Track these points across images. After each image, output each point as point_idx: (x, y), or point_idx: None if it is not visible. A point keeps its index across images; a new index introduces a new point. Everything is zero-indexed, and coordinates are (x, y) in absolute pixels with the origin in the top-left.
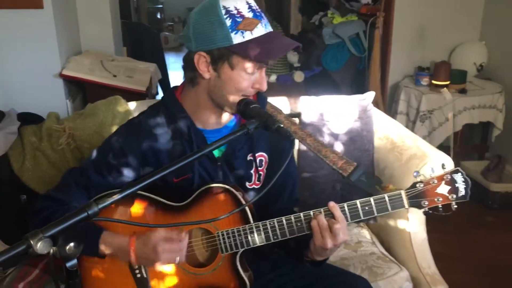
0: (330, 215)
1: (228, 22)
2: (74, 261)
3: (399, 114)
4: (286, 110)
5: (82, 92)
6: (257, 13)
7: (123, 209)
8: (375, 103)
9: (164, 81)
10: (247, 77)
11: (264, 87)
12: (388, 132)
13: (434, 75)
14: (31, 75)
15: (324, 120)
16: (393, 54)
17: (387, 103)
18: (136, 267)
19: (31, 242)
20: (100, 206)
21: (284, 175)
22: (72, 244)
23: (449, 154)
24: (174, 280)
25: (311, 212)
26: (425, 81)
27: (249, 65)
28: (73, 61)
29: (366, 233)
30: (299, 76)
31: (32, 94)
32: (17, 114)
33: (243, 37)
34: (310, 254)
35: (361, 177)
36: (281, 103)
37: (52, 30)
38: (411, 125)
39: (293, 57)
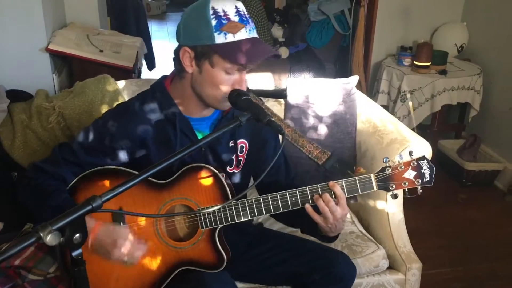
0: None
1: (214, 22)
2: (79, 250)
3: (380, 93)
4: (270, 86)
5: (68, 66)
6: (244, 18)
7: (112, 185)
8: (358, 82)
9: (149, 55)
10: (227, 77)
11: (244, 88)
12: (371, 116)
13: (416, 55)
14: (17, 49)
15: (309, 102)
16: (376, 32)
17: (369, 82)
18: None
19: (41, 234)
20: (104, 199)
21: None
22: (77, 235)
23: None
24: (157, 253)
25: (277, 194)
26: (407, 61)
27: (228, 66)
28: (59, 35)
29: None
30: (284, 52)
31: (19, 69)
32: (5, 91)
33: (225, 38)
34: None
35: (335, 163)
36: (265, 78)
37: (38, 2)
38: (392, 105)
39: (278, 32)
